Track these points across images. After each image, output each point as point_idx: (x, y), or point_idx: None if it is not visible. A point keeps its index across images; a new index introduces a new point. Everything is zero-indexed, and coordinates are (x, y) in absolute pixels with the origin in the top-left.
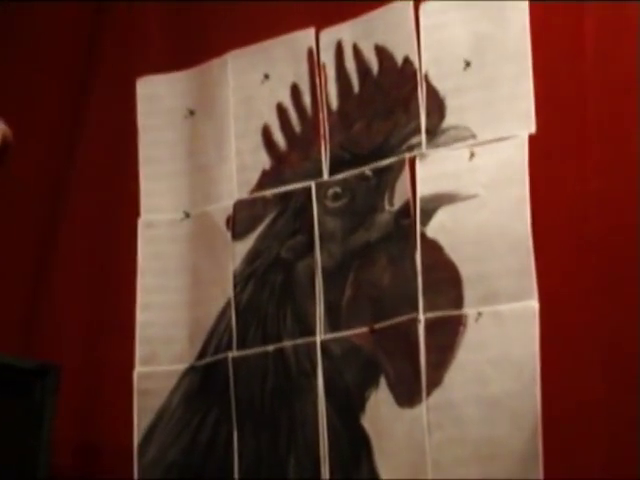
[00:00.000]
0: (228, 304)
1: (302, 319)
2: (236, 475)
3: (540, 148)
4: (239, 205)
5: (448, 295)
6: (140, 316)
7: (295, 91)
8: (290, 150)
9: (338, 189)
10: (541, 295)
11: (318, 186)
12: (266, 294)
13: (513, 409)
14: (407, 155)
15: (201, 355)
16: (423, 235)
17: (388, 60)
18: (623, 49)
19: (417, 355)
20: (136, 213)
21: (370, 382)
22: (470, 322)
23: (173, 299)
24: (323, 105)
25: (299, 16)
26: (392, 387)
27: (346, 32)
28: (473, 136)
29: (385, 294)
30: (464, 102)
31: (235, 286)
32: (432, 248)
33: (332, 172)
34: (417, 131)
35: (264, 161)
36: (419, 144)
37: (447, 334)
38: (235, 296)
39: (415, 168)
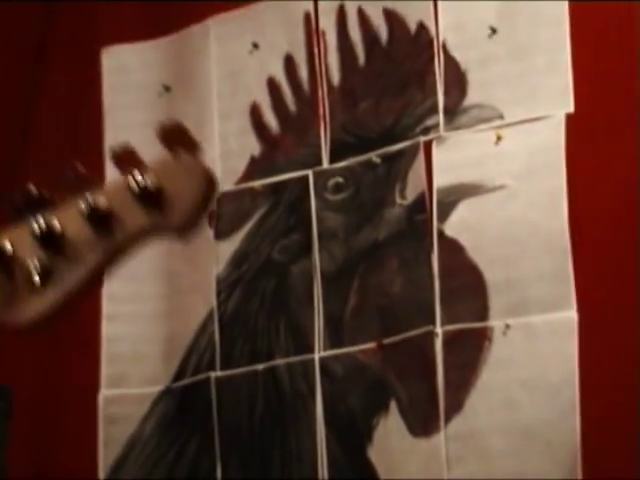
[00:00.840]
0: (210, 315)
1: (298, 333)
2: None
3: (580, 130)
4: (223, 198)
5: (470, 304)
6: (106, 329)
7: (289, 63)
8: (283, 133)
9: (340, 179)
10: (580, 304)
11: (317, 175)
12: (255, 303)
13: (548, 439)
14: (422, 139)
15: (178, 375)
16: (441, 233)
17: (399, 26)
18: None
19: (434, 375)
20: None
21: (378, 407)
22: (497, 336)
23: (145, 309)
24: (323, 80)
25: None
26: (404, 413)
27: None
28: (500, 116)
29: (396, 303)
30: (489, 76)
31: (219, 294)
32: (452, 249)
33: (333, 159)
34: (434, 110)
35: (253, 146)
36: (436, 126)
37: (469, 350)
38: (219, 306)
39: (431, 154)
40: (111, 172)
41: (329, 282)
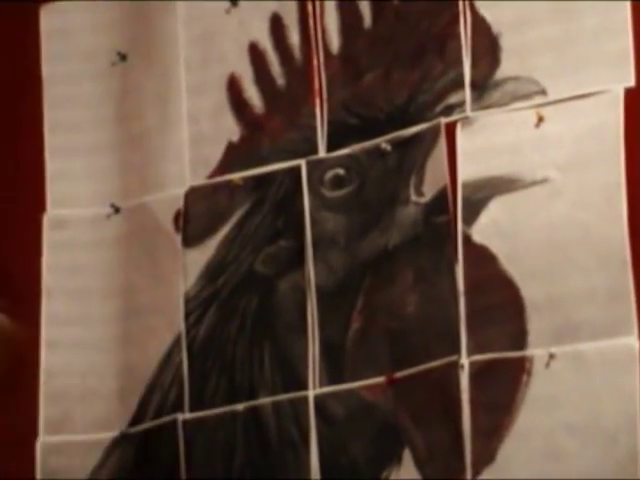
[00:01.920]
0: (177, 342)
1: (287, 364)
2: None
3: None
4: (193, 195)
5: (505, 328)
6: (46, 360)
7: (277, 25)
8: (269, 112)
9: (341, 171)
10: None
11: (311, 166)
12: (234, 327)
13: None
14: (443, 120)
15: (137, 418)
16: (467, 239)
17: None
18: None
19: (459, 417)
20: (40, 207)
21: (389, 457)
22: (537, 368)
23: (94, 334)
24: (318, 46)
25: None
26: (421, 464)
27: None
28: (542, 92)
29: (410, 327)
30: (528, 41)
31: (187, 315)
32: (481, 258)
33: (332, 145)
34: (458, 84)
35: (231, 129)
36: (461, 104)
37: (503, 386)
38: (188, 330)
39: (455, 139)
40: (51, 158)
41: (326, 300)
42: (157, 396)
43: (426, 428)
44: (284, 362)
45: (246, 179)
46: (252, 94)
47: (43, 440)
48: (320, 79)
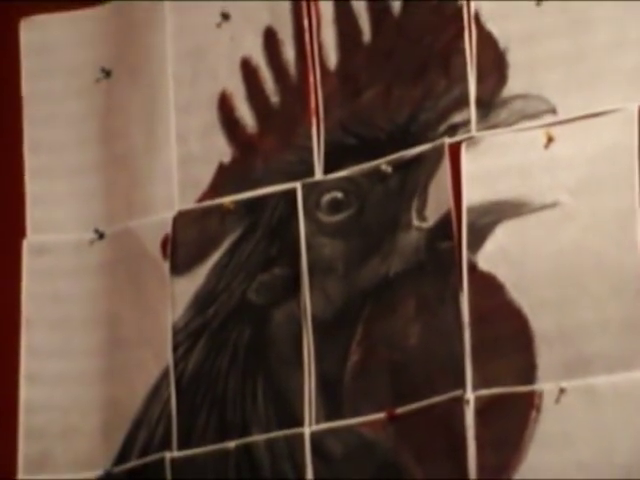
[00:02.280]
0: (164, 376)
1: (282, 399)
2: None
3: None
4: (182, 219)
5: (512, 361)
6: (25, 394)
7: (271, 39)
8: (263, 132)
9: (338, 194)
10: None
11: (307, 189)
12: (225, 360)
13: None
14: (447, 140)
15: (122, 456)
16: (473, 266)
17: None
18: None
19: (463, 455)
20: (19, 231)
21: None
22: (547, 404)
23: (77, 367)
24: (315, 61)
25: None
26: None
27: None
28: (552, 110)
29: (412, 360)
30: (537, 56)
31: (176, 347)
32: (487, 287)
33: (329, 167)
34: (463, 102)
35: (222, 150)
36: (466, 123)
37: (511, 422)
38: (176, 363)
39: (460, 161)
40: (31, 179)
41: (323, 331)
42: (143, 433)
43: (429, 467)
44: (278, 397)
45: (238, 203)
46: (244, 112)
47: (22, 479)
48: (316, 97)
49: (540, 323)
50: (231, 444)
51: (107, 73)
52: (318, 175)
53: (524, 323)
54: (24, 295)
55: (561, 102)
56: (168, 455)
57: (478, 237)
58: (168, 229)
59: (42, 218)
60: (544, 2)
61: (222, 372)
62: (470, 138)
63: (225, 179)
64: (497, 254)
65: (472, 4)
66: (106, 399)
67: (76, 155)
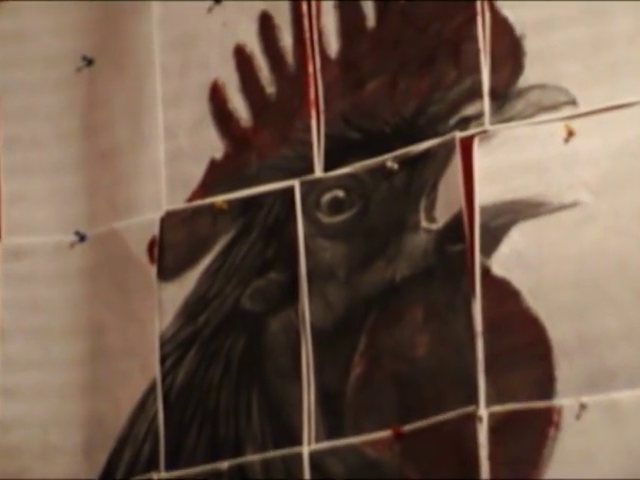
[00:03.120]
0: (152, 389)
1: (278, 415)
2: None
3: None
4: (170, 220)
5: (529, 374)
6: (1, 409)
7: (266, 25)
8: (258, 126)
9: (340, 193)
10: None
11: (306, 187)
12: (217, 372)
13: None
14: (458, 135)
15: (106, 477)
16: (486, 271)
17: None
18: None
19: (476, 477)
20: None
21: None
22: (567, 420)
23: (57, 380)
24: (315, 49)
25: None
26: None
27: None
28: (572, 102)
29: (421, 372)
30: (556, 45)
31: (164, 359)
32: (501, 293)
33: (330, 164)
34: (475, 94)
35: (213, 145)
36: (479, 116)
37: (527, 440)
38: (164, 376)
39: (472, 157)
40: (6, 178)
41: (324, 341)
42: (129, 451)
43: None
44: (275, 413)
45: (231, 202)
46: (238, 104)
47: None
48: (316, 87)
49: (559, 332)
50: (224, 464)
51: (89, 62)
52: (318, 172)
53: (541, 332)
54: None
55: (582, 93)
56: (155, 476)
57: (492, 239)
58: (155, 231)
59: (19, 219)
60: None
61: (214, 385)
62: (483, 132)
63: (217, 176)
64: (512, 258)
65: None
66: (88, 415)
67: (55, 151)
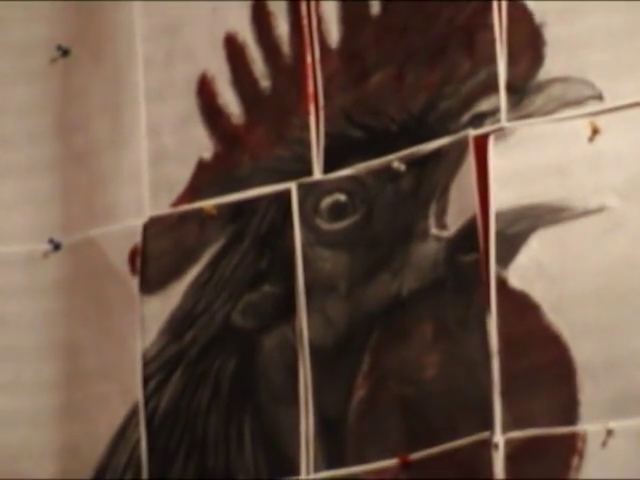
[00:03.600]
0: (133, 415)
1: (273, 442)
2: None
3: None
4: (154, 227)
5: (550, 397)
6: None
7: (260, 12)
8: (251, 123)
9: (341, 197)
10: None
11: (304, 191)
12: (205, 395)
13: None
14: (472, 133)
15: None
16: (502, 283)
17: None
18: None
19: None
20: None
21: None
22: (592, 448)
23: (28, 405)
24: (313, 38)
25: None
26: None
27: None
28: (598, 97)
29: (430, 395)
30: (580, 33)
31: (147, 380)
32: (519, 308)
33: (330, 164)
34: (491, 87)
35: (202, 144)
36: (495, 112)
37: (548, 470)
38: (147, 399)
39: (487, 157)
40: None
41: (323, 362)
42: None
43: None
44: (269, 440)
45: (221, 207)
46: (229, 99)
47: None
48: (315, 80)
49: (583, 351)
50: None
51: (64, 52)
52: (317, 174)
53: (564, 351)
54: None
55: (608, 87)
56: None
57: (509, 248)
58: (137, 239)
59: None
60: None
61: (202, 410)
62: (499, 129)
63: (205, 179)
64: (531, 268)
65: None
66: (63, 443)
67: (27, 151)
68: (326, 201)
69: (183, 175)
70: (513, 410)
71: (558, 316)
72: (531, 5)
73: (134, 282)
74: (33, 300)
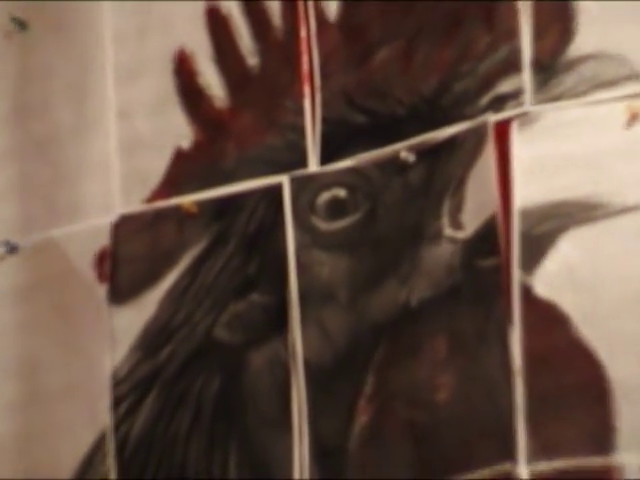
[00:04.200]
0: (101, 442)
1: (262, 472)
2: None
3: None
4: (125, 227)
5: (582, 423)
6: None
7: None
8: (236, 107)
9: (341, 192)
10: None
11: (298, 185)
12: (185, 420)
13: None
14: (492, 118)
15: None
16: (527, 292)
17: None
18: None
19: None
20: None
21: None
22: None
23: None
24: (309, 9)
25: None
26: None
27: None
28: (636, 76)
29: (443, 420)
30: (616, 2)
31: (117, 402)
32: (547, 320)
33: (328, 155)
34: (513, 66)
35: (179, 131)
36: (518, 94)
37: None
38: (117, 424)
39: (509, 146)
40: None
41: (320, 381)
42: None
43: None
44: (258, 471)
45: (203, 204)
46: (211, 79)
47: None
48: (311, 58)
49: (620, 370)
50: None
51: (21, 25)
52: (313, 166)
53: (598, 370)
54: None
55: None
56: None
57: (534, 251)
58: (105, 240)
59: None
60: None
61: (181, 437)
62: (523, 114)
63: (185, 171)
64: (561, 275)
65: None
66: (21, 473)
67: None
68: (323, 197)
69: (158, 166)
70: (539, 437)
71: (591, 329)
72: None
73: (102, 290)
74: None
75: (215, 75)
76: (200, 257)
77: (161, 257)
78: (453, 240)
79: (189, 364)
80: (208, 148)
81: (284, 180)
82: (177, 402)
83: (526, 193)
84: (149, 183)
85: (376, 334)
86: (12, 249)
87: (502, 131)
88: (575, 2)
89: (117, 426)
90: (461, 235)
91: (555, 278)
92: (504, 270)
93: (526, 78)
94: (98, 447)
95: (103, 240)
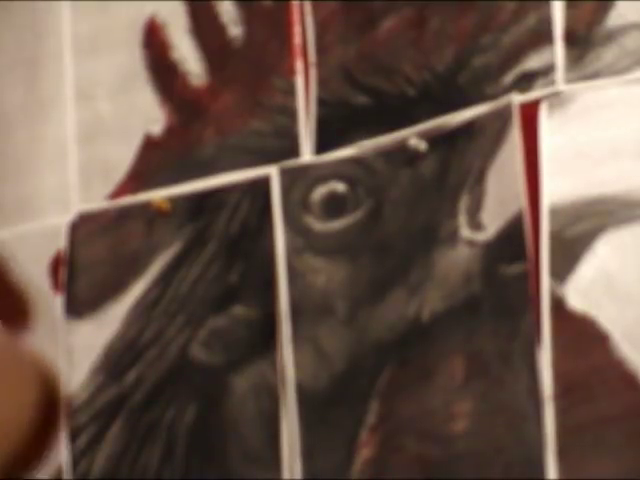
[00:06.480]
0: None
1: None
2: None
3: None
4: (85, 227)
5: (622, 457)
6: None
7: None
8: (216, 86)
9: (340, 186)
10: None
11: (289, 177)
12: (155, 455)
13: None
14: (517, 99)
15: None
16: (559, 303)
17: None
18: None
19: None
20: None
21: None
22: None
23: None
24: None
25: None
26: None
27: None
28: None
29: (460, 455)
30: None
31: (75, 435)
32: (582, 337)
33: (325, 142)
34: (542, 38)
35: (149, 114)
36: (548, 71)
37: None
38: (75, 461)
39: (538, 132)
40: None
41: (315, 409)
42: None
43: None
44: None
45: (176, 200)
46: (186, 53)
47: None
48: (304, 28)
49: None
50: None
51: None
52: (306, 155)
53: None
54: None
55: None
56: None
57: (567, 256)
58: (61, 242)
59: None
60: None
61: (150, 473)
62: (554, 94)
63: (155, 161)
64: (598, 283)
65: None
66: None
67: None
68: (319, 192)
69: (124, 156)
70: (573, 474)
71: (635, 348)
72: None
73: (57, 301)
74: None
75: (191, 48)
76: (173, 263)
77: (126, 263)
78: (471, 243)
79: (160, 389)
80: (182, 134)
81: (272, 172)
82: (146, 434)
83: (557, 188)
84: (113, 176)
85: (380, 354)
86: None
87: (529, 114)
88: None
89: (75, 462)
90: (481, 237)
91: (592, 288)
92: (532, 278)
93: (558, 52)
94: None
95: (58, 243)
